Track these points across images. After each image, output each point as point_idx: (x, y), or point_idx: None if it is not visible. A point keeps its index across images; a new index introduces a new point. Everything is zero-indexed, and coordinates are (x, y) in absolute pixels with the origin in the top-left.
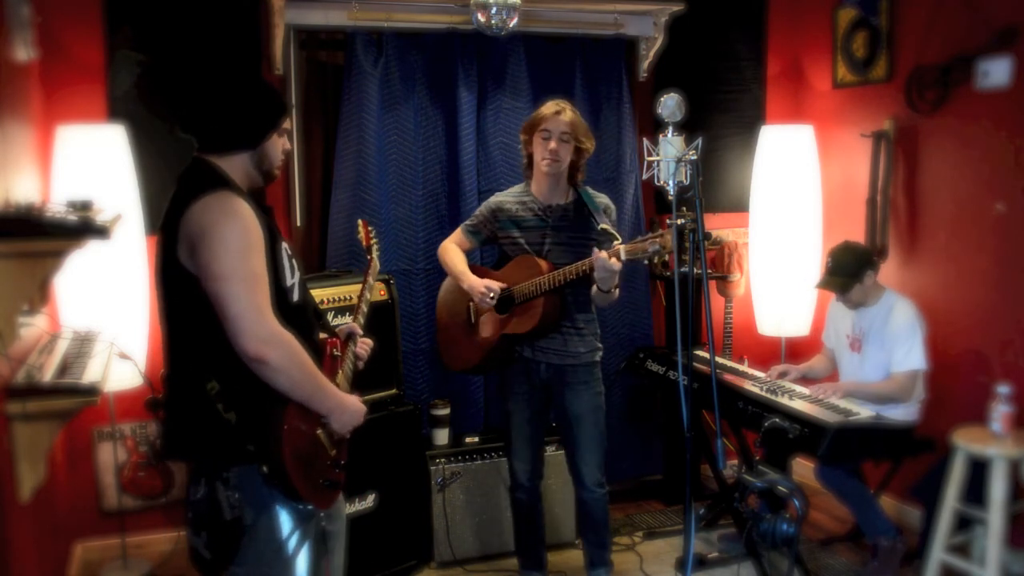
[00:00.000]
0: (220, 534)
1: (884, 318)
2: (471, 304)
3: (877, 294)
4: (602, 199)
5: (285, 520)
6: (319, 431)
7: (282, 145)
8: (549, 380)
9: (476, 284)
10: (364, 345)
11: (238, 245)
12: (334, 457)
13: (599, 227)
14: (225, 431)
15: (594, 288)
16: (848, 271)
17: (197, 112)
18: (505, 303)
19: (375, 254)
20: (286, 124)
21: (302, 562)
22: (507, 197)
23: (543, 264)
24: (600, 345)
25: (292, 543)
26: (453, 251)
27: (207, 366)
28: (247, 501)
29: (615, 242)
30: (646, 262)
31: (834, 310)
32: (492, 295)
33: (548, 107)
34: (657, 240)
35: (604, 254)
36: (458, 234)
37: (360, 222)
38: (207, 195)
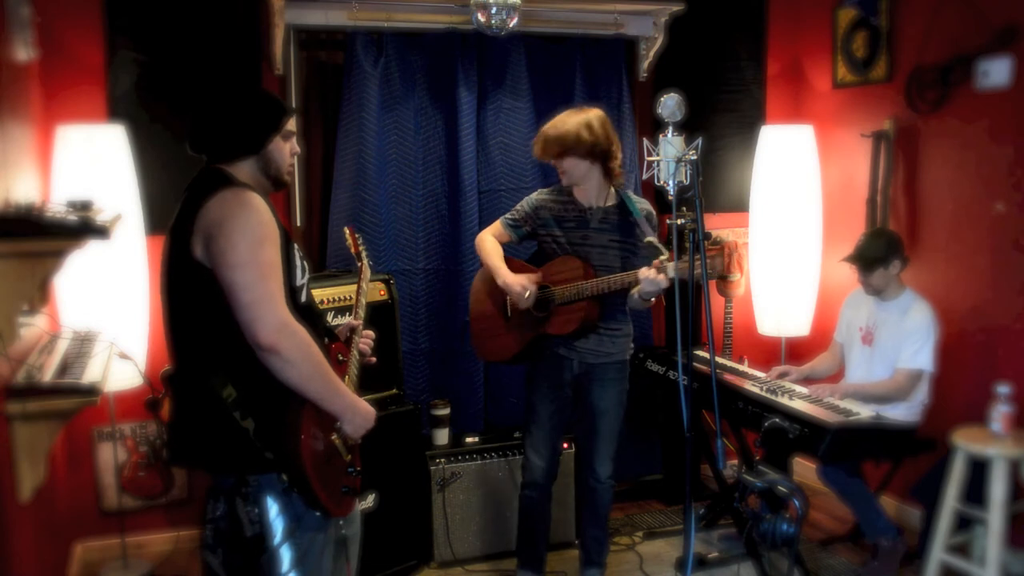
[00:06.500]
0: (241, 551)
1: (900, 314)
2: (508, 298)
3: (898, 290)
4: (644, 205)
5: (306, 530)
6: (334, 436)
7: (290, 149)
8: (579, 376)
9: (514, 282)
10: (367, 339)
11: (254, 235)
12: (349, 462)
13: (645, 240)
14: (243, 440)
15: (635, 295)
16: (876, 253)
17: (199, 127)
18: (543, 302)
19: (365, 260)
20: (291, 126)
21: (324, 571)
22: (547, 196)
23: (587, 267)
24: (632, 345)
25: (313, 553)
26: (492, 243)
27: (223, 371)
28: (267, 515)
29: (661, 256)
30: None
31: (849, 303)
32: (529, 294)
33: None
34: (706, 262)
35: (652, 272)
36: (497, 227)
37: (347, 229)
38: (224, 190)
